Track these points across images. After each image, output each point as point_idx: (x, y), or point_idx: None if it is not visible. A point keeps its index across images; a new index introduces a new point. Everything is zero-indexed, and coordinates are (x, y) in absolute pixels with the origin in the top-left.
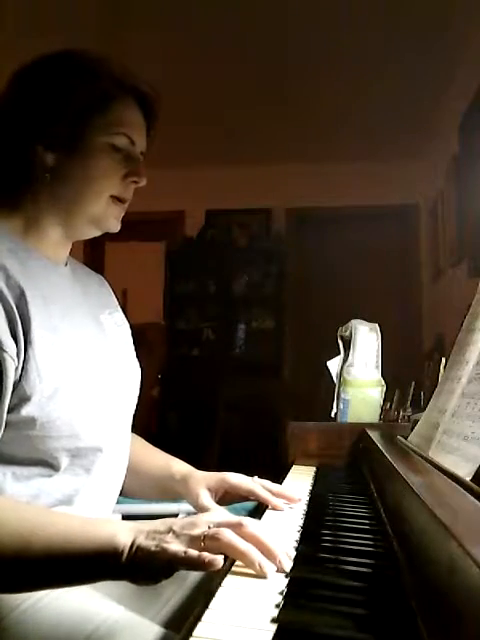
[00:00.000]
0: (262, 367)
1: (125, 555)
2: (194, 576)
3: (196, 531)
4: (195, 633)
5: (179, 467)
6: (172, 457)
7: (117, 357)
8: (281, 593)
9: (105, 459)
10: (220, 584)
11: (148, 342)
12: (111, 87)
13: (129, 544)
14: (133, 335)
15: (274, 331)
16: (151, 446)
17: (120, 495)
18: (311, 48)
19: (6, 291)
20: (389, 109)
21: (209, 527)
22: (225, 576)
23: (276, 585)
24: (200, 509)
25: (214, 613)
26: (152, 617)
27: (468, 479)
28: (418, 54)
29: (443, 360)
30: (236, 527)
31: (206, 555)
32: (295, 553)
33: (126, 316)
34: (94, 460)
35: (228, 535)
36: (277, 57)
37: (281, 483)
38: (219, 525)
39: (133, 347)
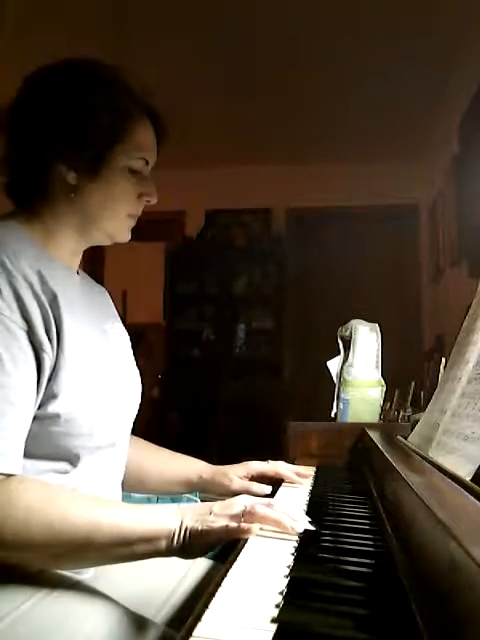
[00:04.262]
0: (262, 367)
1: (176, 536)
2: (194, 573)
3: (235, 510)
4: (195, 633)
5: (201, 466)
6: (191, 458)
7: (121, 364)
8: (281, 593)
9: (110, 458)
10: (220, 584)
11: (148, 342)
12: (131, 106)
13: (178, 526)
14: (133, 335)
15: (274, 331)
16: (170, 451)
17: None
18: (311, 48)
19: (42, 295)
20: (389, 109)
21: (245, 506)
22: (225, 576)
23: (276, 585)
24: (238, 491)
25: (214, 613)
26: (153, 615)
27: (468, 479)
28: (418, 54)
29: (443, 360)
30: (266, 505)
31: (244, 525)
32: (295, 553)
33: (126, 316)
34: (101, 459)
35: (262, 510)
36: (277, 57)
37: (281, 483)
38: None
39: (133, 357)
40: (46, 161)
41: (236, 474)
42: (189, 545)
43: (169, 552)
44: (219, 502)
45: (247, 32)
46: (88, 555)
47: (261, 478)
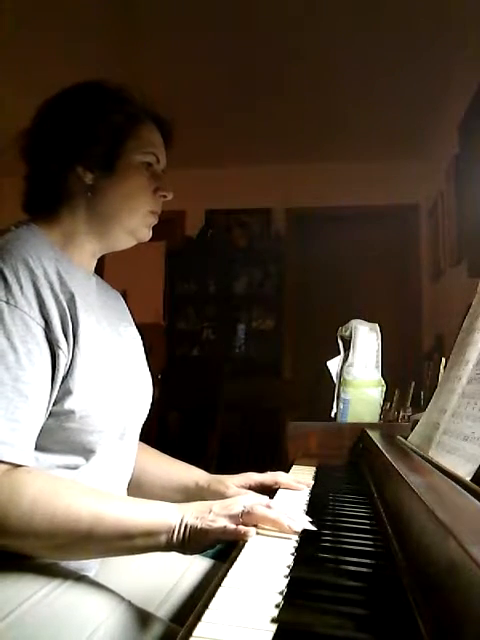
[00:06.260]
0: (262, 367)
1: (176, 532)
2: (194, 571)
3: (234, 510)
4: (195, 633)
5: (198, 474)
6: (190, 465)
7: (134, 366)
8: (281, 593)
9: (120, 456)
10: (220, 584)
11: (148, 342)
12: (137, 111)
13: (179, 522)
14: None
15: (274, 331)
16: (171, 457)
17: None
18: (311, 48)
19: (60, 295)
20: (389, 109)
21: (244, 506)
22: (225, 576)
23: (276, 585)
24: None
25: (214, 613)
26: (155, 609)
27: (468, 479)
28: (418, 54)
29: (443, 360)
30: (265, 505)
31: (242, 528)
32: (295, 553)
33: None
34: (112, 456)
35: (260, 510)
36: (277, 57)
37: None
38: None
39: (145, 360)
40: (64, 167)
41: (234, 483)
42: (188, 541)
43: (168, 547)
44: (219, 501)
45: (247, 32)
46: (90, 547)
47: (260, 488)
